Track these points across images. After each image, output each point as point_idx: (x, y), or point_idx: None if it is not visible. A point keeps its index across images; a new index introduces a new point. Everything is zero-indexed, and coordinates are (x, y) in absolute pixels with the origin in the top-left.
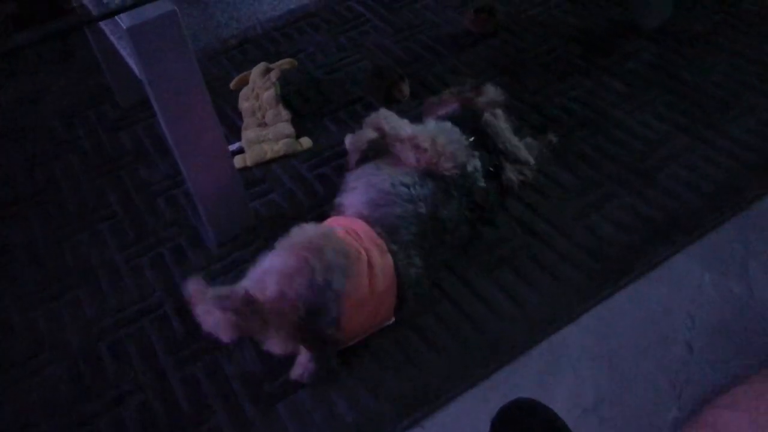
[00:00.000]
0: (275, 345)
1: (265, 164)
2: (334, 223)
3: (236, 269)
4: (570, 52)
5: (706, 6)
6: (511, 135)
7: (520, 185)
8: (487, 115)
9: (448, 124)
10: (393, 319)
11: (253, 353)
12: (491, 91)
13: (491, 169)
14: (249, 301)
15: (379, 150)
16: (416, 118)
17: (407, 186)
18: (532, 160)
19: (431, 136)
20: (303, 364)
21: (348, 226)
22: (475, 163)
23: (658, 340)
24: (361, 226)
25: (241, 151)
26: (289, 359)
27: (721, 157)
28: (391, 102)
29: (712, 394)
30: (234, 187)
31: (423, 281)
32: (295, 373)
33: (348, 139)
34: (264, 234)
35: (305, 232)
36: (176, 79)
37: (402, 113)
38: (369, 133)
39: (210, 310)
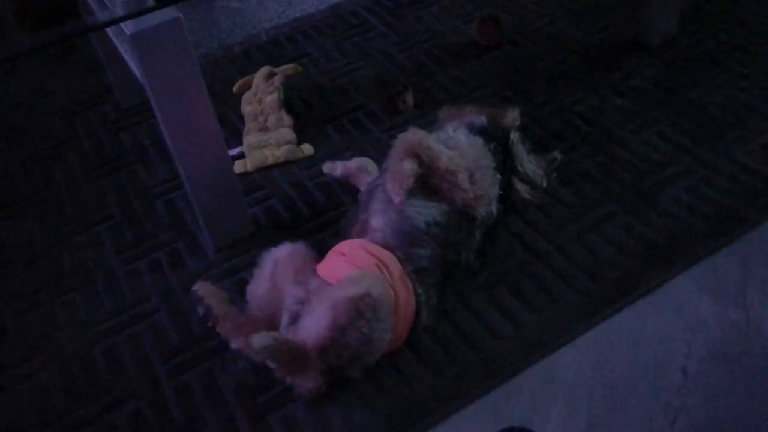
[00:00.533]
0: (307, 382)
1: (265, 170)
2: (363, 249)
3: (233, 276)
4: (575, 67)
5: (714, 24)
6: (530, 158)
7: (523, 204)
8: (513, 135)
9: (479, 143)
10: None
11: (247, 364)
12: (512, 114)
13: (501, 192)
14: (297, 353)
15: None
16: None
17: (441, 227)
18: (545, 183)
19: (469, 171)
20: (309, 382)
21: (379, 257)
22: (496, 191)
23: (653, 365)
24: (392, 262)
25: (242, 155)
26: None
27: (723, 181)
28: (394, 112)
29: (705, 422)
30: (233, 192)
31: (432, 314)
32: (298, 394)
33: (388, 175)
34: (262, 241)
35: (362, 280)
36: (178, 85)
37: (406, 123)
38: (409, 166)
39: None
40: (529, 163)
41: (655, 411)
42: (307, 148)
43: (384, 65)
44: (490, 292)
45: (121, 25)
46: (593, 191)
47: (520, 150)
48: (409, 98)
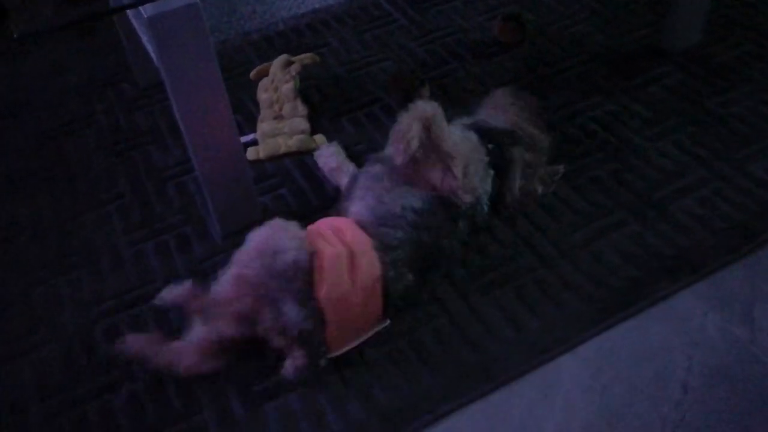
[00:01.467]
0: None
1: (277, 159)
2: (323, 223)
3: None
4: (594, 71)
5: (738, 34)
6: (516, 183)
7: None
8: (514, 151)
9: (474, 138)
10: (388, 321)
11: (247, 352)
12: (541, 136)
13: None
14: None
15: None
16: None
17: (417, 213)
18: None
19: (465, 160)
20: (293, 361)
21: (335, 225)
22: (486, 187)
23: (654, 378)
24: (348, 224)
25: (255, 142)
26: (281, 360)
27: (737, 195)
28: None
29: None
30: (243, 179)
31: (415, 294)
32: (285, 371)
33: (396, 130)
34: None
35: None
36: (193, 69)
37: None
38: (418, 128)
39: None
40: (512, 187)
41: (653, 424)
42: (321, 139)
43: (403, 59)
44: (493, 294)
45: (140, 8)
46: (604, 198)
47: (514, 170)
48: (426, 93)
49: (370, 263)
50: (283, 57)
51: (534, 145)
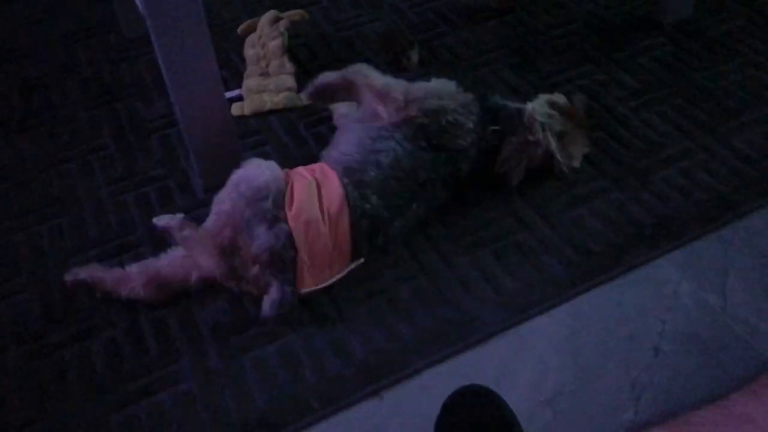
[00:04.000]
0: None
1: (262, 115)
2: (299, 167)
3: None
4: (585, 40)
5: (730, 8)
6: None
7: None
8: (509, 141)
9: (452, 83)
10: (362, 260)
11: (226, 305)
12: (547, 141)
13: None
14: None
15: (337, 94)
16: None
17: (372, 138)
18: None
19: (406, 86)
20: (273, 300)
21: (309, 167)
22: (457, 118)
23: (626, 341)
24: (319, 165)
25: (240, 98)
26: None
27: (718, 167)
28: (398, 68)
29: (669, 400)
30: (227, 134)
31: (389, 223)
32: (263, 310)
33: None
34: None
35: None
36: (178, 20)
37: (410, 80)
38: (331, 77)
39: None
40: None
41: (622, 385)
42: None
43: (393, 20)
44: (473, 254)
45: None
46: (588, 166)
47: (503, 155)
48: (414, 56)
49: (335, 188)
50: (271, 13)
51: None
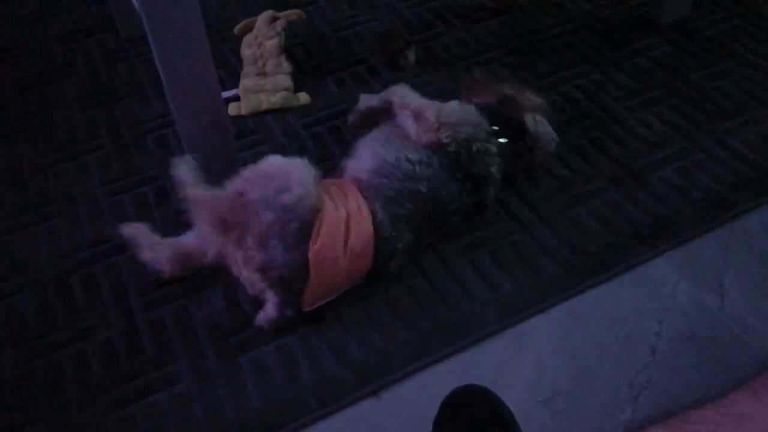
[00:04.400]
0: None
1: (259, 115)
2: (329, 183)
3: None
4: (582, 40)
5: (727, 9)
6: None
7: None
8: (529, 119)
9: (471, 107)
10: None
11: (223, 304)
12: (533, 98)
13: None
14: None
15: (379, 117)
16: (416, 87)
17: (412, 163)
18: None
19: (438, 107)
20: (268, 317)
21: (341, 189)
22: (485, 146)
23: (623, 341)
24: (351, 189)
25: (237, 98)
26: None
27: (715, 167)
28: (395, 68)
29: (667, 400)
30: (224, 134)
31: (410, 254)
32: (259, 321)
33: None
34: None
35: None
36: (175, 20)
37: (406, 80)
38: (375, 101)
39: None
40: (547, 147)
41: (620, 385)
42: (304, 97)
43: (390, 20)
44: (470, 255)
45: None
46: (584, 166)
47: (541, 133)
48: (411, 56)
49: (365, 228)
50: (268, 12)
51: (537, 105)
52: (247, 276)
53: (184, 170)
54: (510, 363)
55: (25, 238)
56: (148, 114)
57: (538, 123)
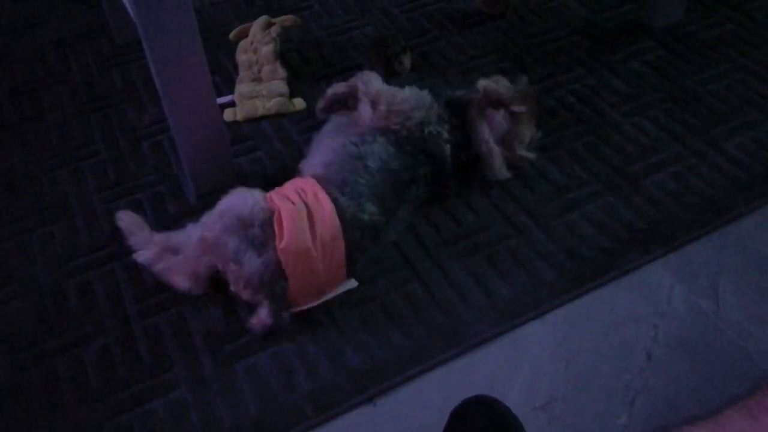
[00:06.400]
0: (181, 280)
1: (255, 121)
2: (287, 186)
3: None
4: (576, 45)
5: (721, 13)
6: (490, 138)
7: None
8: (471, 110)
9: (425, 93)
10: (356, 283)
11: (219, 312)
12: (519, 107)
13: (461, 156)
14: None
15: (346, 102)
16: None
17: (355, 144)
18: (500, 175)
19: (393, 94)
20: (262, 324)
21: (298, 186)
22: (437, 129)
23: (619, 346)
24: (309, 184)
25: (232, 104)
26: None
27: (709, 171)
28: (390, 73)
29: (663, 405)
30: (219, 140)
31: (384, 228)
32: (252, 326)
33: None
34: None
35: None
36: (171, 27)
37: (402, 85)
38: (340, 88)
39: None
40: (484, 142)
41: (616, 390)
42: (299, 103)
43: (385, 25)
44: (466, 260)
45: None
46: (579, 170)
47: (483, 128)
48: (407, 61)
49: (327, 214)
50: (263, 18)
51: (524, 99)
52: (241, 293)
53: (143, 255)
54: (506, 369)
55: (21, 245)
56: (143, 120)
57: (491, 150)
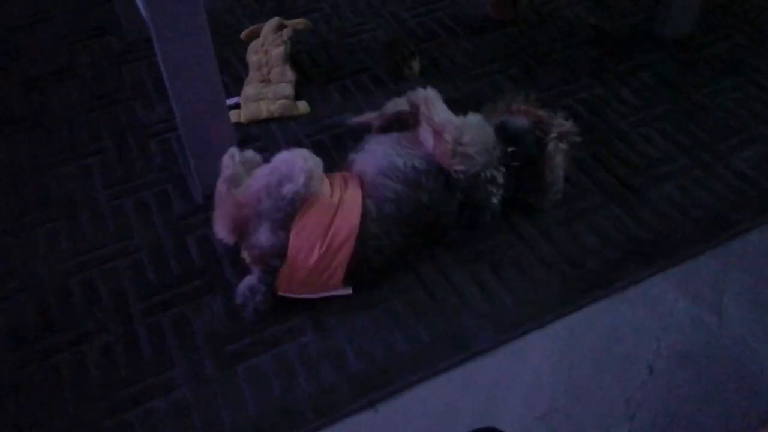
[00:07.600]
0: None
1: (263, 123)
2: (336, 173)
3: None
4: (585, 53)
5: (731, 26)
6: (561, 173)
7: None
8: (551, 145)
9: (490, 129)
10: (350, 291)
11: (222, 312)
12: (565, 123)
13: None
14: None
15: (405, 124)
16: None
17: (419, 172)
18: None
19: (460, 130)
20: (247, 284)
21: (346, 177)
22: (492, 174)
23: (621, 358)
24: (353, 180)
25: (239, 105)
26: (257, 324)
27: (716, 185)
28: (399, 78)
29: (664, 418)
30: (226, 140)
31: (399, 257)
32: (237, 296)
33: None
34: None
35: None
36: (181, 25)
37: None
38: (402, 105)
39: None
40: (558, 180)
41: (617, 403)
42: (303, 106)
43: (395, 29)
44: (470, 267)
45: None
46: (586, 181)
47: (558, 165)
48: (416, 65)
49: (351, 219)
50: (275, 20)
51: (567, 131)
52: (246, 255)
53: (237, 155)
54: (507, 378)
55: (26, 240)
56: (151, 117)
57: (559, 151)
